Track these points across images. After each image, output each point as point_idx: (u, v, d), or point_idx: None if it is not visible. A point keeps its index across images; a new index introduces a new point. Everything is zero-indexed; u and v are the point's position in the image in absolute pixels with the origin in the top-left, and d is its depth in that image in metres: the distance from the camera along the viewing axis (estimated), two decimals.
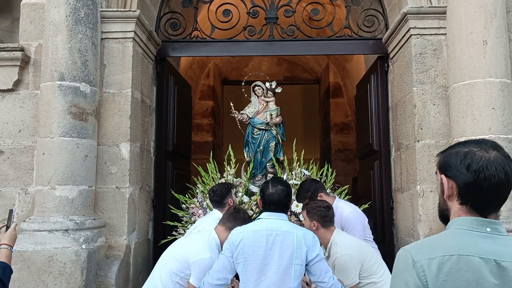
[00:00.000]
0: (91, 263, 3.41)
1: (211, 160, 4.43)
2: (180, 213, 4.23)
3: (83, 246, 3.36)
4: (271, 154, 4.49)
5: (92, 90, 3.69)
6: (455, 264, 1.08)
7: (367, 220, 3.47)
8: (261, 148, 4.50)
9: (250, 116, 4.59)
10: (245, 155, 4.58)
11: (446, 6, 3.79)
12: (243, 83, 4.65)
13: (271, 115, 4.57)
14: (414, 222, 3.86)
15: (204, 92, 8.93)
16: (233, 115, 4.62)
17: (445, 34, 3.84)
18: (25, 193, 3.83)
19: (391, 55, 4.49)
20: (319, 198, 3.32)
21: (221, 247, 2.63)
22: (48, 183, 3.48)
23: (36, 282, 3.27)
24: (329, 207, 2.93)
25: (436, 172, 1.27)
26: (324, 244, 2.85)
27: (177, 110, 4.90)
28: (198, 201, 4.19)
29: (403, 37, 4.08)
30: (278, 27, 4.61)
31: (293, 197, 3.93)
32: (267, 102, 4.63)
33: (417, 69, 3.90)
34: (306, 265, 2.42)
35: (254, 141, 4.54)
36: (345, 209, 3.36)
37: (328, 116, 8.76)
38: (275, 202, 2.51)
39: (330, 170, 4.34)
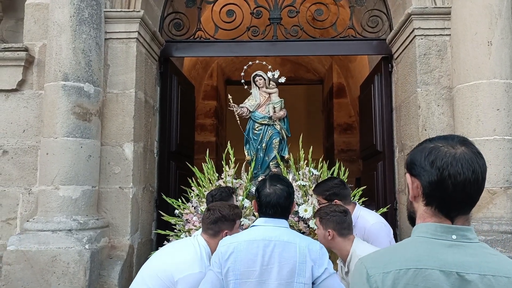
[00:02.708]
0: (94, 263, 3.41)
1: (207, 159, 3.96)
2: (172, 220, 3.82)
3: (86, 246, 3.37)
4: (275, 152, 3.98)
5: (96, 90, 3.70)
6: (412, 279, 0.97)
7: (392, 231, 3.06)
8: (263, 145, 3.99)
9: (251, 110, 4.07)
10: (246, 154, 4.07)
11: (450, 7, 3.77)
12: (242, 73, 4.18)
13: (274, 108, 4.08)
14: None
15: (207, 92, 8.94)
16: (232, 109, 4.12)
17: (450, 34, 3.82)
18: (29, 193, 3.84)
19: (395, 56, 4.48)
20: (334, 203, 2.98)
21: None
22: (52, 183, 3.49)
23: (39, 282, 3.27)
24: (346, 212, 2.55)
25: (405, 173, 1.15)
26: (343, 256, 2.49)
27: (181, 110, 4.90)
28: (192, 206, 3.72)
29: (407, 38, 4.07)
30: (282, 27, 4.60)
31: (300, 200, 3.77)
32: (270, 94, 4.15)
33: (421, 69, 3.88)
34: (313, 283, 1.99)
35: (255, 138, 4.01)
36: (368, 220, 2.92)
37: (332, 116, 8.75)
38: (273, 205, 2.10)
39: (342, 169, 3.90)
